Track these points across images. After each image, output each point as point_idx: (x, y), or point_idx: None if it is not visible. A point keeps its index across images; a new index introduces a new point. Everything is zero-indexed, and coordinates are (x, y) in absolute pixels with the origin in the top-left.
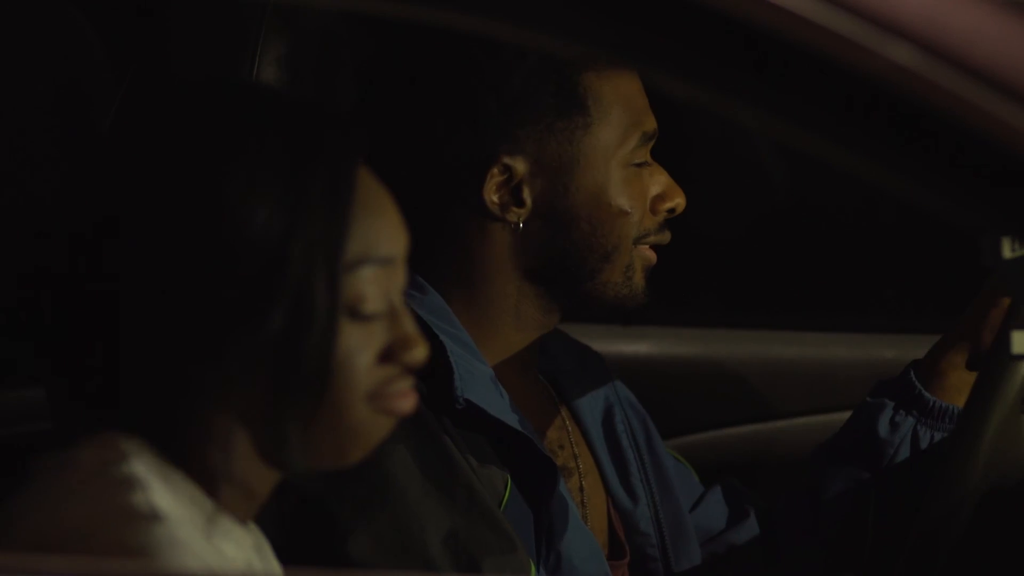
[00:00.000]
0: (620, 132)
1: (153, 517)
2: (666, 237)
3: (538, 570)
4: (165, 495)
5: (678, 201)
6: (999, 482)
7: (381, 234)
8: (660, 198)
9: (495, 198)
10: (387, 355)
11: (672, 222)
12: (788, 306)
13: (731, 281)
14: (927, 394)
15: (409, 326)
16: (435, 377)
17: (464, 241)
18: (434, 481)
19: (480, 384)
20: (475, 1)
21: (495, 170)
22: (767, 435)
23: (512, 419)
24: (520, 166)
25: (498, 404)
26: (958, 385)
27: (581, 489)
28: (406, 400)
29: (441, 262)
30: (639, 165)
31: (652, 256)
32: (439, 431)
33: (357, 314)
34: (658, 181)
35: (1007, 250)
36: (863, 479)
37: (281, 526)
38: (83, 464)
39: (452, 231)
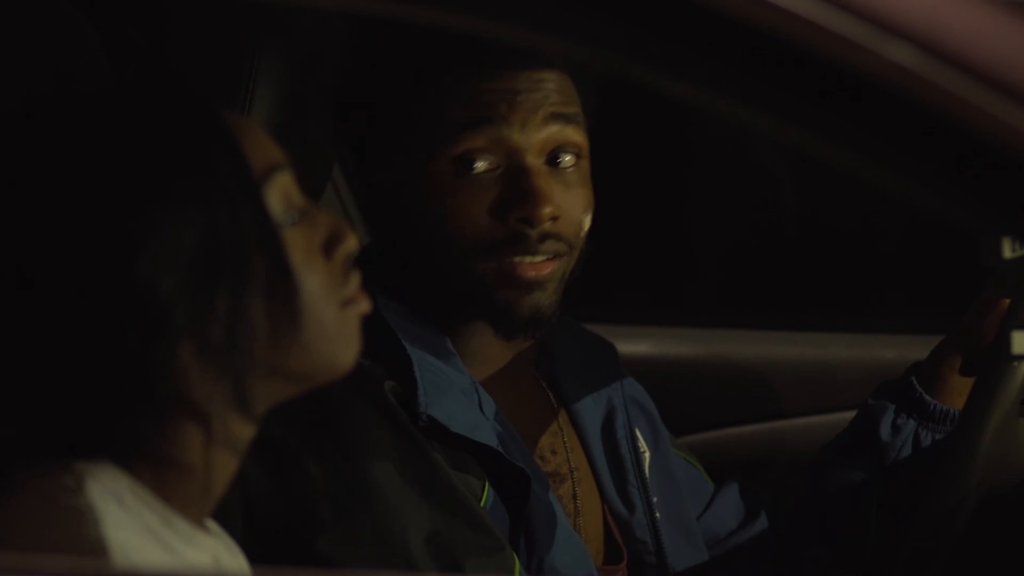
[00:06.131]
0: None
1: (100, 552)
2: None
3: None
4: (121, 522)
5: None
6: (999, 482)
7: (267, 145)
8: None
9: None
10: (327, 250)
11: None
12: (788, 306)
13: (731, 281)
14: (928, 397)
15: (329, 218)
16: (406, 390)
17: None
18: (415, 482)
19: (450, 397)
20: (475, 1)
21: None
22: (767, 435)
23: (482, 431)
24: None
25: (467, 416)
26: (959, 388)
27: (575, 496)
28: (365, 299)
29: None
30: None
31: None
32: (418, 434)
33: (292, 218)
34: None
35: (1007, 250)
36: (866, 481)
37: (261, 527)
38: (39, 491)
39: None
